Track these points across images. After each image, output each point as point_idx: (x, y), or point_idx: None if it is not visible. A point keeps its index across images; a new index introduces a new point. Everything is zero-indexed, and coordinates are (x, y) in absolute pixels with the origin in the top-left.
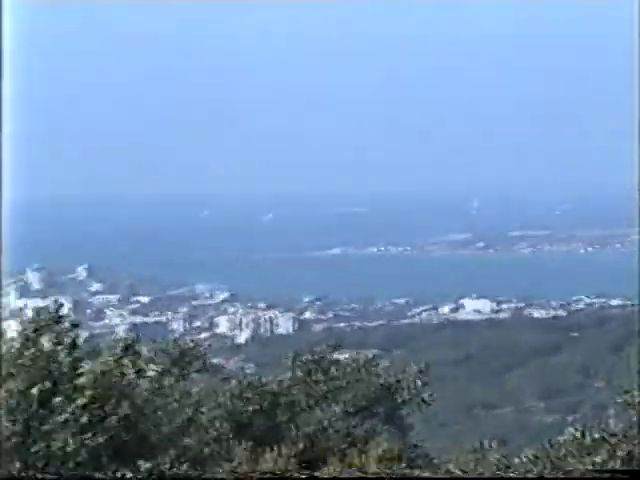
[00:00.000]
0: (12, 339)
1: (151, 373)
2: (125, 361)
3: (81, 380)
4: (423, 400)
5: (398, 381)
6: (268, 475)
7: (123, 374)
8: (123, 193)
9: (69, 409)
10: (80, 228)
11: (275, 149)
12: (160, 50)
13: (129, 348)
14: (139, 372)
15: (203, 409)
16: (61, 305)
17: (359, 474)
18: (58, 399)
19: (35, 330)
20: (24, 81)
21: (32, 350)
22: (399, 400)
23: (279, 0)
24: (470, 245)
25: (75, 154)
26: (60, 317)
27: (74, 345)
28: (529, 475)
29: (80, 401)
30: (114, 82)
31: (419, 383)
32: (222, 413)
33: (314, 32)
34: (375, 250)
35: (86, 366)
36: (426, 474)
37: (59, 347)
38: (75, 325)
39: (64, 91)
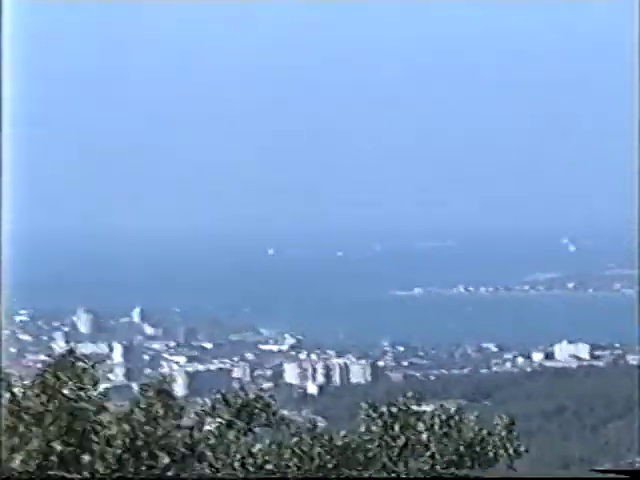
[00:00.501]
0: (32, 389)
1: (210, 427)
2: (157, 408)
3: (107, 432)
4: (515, 451)
5: (490, 434)
6: None
7: (157, 423)
8: (175, 225)
9: (97, 465)
10: (126, 266)
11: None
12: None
13: (162, 393)
14: (176, 419)
15: (267, 466)
16: (72, 350)
17: None
18: (87, 457)
19: (55, 376)
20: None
21: (53, 402)
22: (490, 455)
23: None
24: (563, 285)
25: (115, 182)
26: (76, 360)
27: (93, 389)
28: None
29: (109, 454)
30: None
31: (510, 437)
32: (288, 471)
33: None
34: (461, 290)
35: (109, 413)
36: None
37: (81, 393)
38: (93, 366)
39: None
